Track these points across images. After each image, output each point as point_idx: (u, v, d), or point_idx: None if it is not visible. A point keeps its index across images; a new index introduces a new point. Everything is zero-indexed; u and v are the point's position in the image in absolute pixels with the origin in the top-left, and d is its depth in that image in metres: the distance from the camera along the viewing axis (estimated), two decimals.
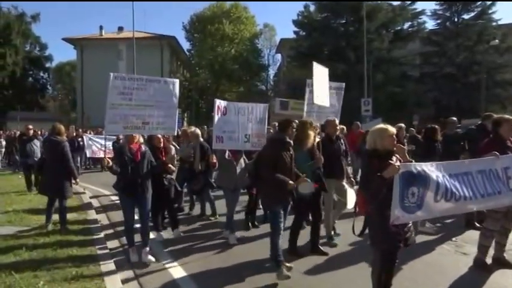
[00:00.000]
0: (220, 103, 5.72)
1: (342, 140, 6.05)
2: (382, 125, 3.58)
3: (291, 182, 4.46)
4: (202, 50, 40.77)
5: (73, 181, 6.81)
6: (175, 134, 5.85)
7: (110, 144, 10.69)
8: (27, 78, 40.94)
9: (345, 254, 5.38)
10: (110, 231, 6.57)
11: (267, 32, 46.59)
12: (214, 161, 6.00)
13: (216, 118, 5.63)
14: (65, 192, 6.61)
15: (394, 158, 3.42)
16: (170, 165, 5.76)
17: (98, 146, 11.83)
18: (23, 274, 4.36)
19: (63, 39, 37.22)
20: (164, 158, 5.83)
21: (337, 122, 5.98)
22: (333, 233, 5.83)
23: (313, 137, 5.13)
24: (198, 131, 7.38)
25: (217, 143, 5.66)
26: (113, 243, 5.83)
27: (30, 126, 10.74)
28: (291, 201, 4.76)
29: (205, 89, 42.55)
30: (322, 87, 6.01)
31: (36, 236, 5.98)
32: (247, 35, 42.87)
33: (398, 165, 3.25)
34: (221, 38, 40.60)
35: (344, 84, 7.09)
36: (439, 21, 31.60)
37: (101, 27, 38.82)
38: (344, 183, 5.86)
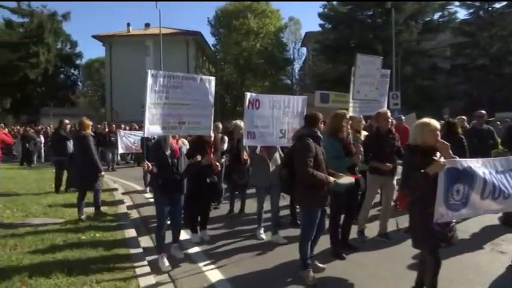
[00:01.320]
0: (251, 96, 5.40)
1: (394, 135, 5.60)
2: (425, 119, 3.41)
3: (331, 178, 4.19)
4: (228, 44, 40.91)
5: (99, 174, 7.07)
6: (211, 133, 5.57)
7: (138, 139, 10.79)
8: (59, 75, 42.05)
9: (374, 249, 5.31)
10: (142, 228, 6.53)
11: (292, 26, 46.31)
12: (246, 157, 5.73)
13: (247, 112, 5.35)
14: (93, 184, 6.98)
15: (438, 154, 3.28)
16: (217, 164, 5.50)
17: (131, 141, 11.96)
18: (57, 266, 4.50)
19: (93, 36, 38.11)
20: (212, 154, 5.58)
21: (389, 114, 5.60)
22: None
23: (347, 130, 4.88)
24: (243, 124, 7.25)
25: (249, 139, 5.38)
26: (145, 241, 5.76)
27: (67, 121, 10.05)
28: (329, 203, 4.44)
29: (231, 84, 42.69)
30: (367, 80, 5.73)
31: (69, 229, 6.15)
32: (272, 29, 42.68)
33: (443, 162, 3.12)
34: (246, 32, 40.58)
35: (389, 71, 6.85)
36: (471, 10, 30.45)
37: (128, 24, 39.47)
38: (394, 181, 5.59)
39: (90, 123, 7.44)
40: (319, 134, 4.34)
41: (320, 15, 33.23)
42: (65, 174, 9.52)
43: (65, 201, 8.33)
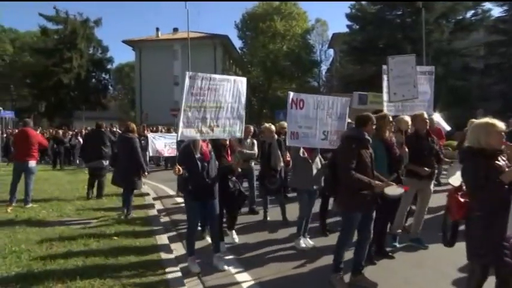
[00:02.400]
0: (294, 96, 5.28)
1: (433, 138, 5.42)
2: (488, 119, 3.14)
3: (377, 182, 4.01)
4: (254, 47, 41.10)
5: (142, 174, 7.54)
6: (241, 136, 5.47)
7: (173, 142, 10.85)
8: (91, 79, 43.28)
9: (405, 254, 5.21)
10: (173, 233, 6.49)
11: (319, 27, 46.12)
12: (288, 158, 5.55)
13: (291, 112, 5.23)
14: (135, 184, 7.35)
15: (499, 158, 3.03)
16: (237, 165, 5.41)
17: (162, 145, 12.07)
18: (89, 267, 4.61)
19: (123, 41, 39.13)
20: (229, 157, 5.53)
21: (426, 115, 5.41)
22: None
23: (390, 131, 4.71)
24: (273, 127, 6.95)
25: (292, 139, 5.24)
26: (177, 247, 5.68)
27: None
28: (375, 207, 4.21)
29: (257, 87, 42.81)
30: (403, 80, 5.54)
31: (102, 231, 6.28)
32: (299, 31, 42.58)
33: None
34: (273, 35, 40.67)
35: (434, 67, 6.67)
36: (506, 7, 29.27)
37: (157, 29, 40.39)
38: (431, 186, 5.44)
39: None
40: (366, 136, 4.15)
41: (347, 16, 32.83)
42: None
43: (97, 203, 8.59)
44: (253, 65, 42.55)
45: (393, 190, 4.18)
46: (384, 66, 5.84)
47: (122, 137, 7.84)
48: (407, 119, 5.55)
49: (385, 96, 5.96)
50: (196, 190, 4.63)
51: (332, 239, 5.81)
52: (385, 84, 5.85)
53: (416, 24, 25.95)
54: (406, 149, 4.97)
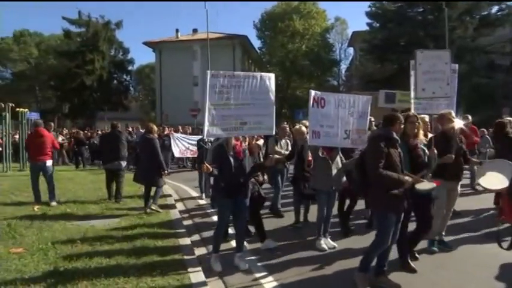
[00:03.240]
0: (316, 94, 5.21)
1: (460, 137, 5.30)
2: None
3: (406, 177, 3.92)
4: (273, 47, 41.06)
5: (162, 172, 7.90)
6: (274, 133, 5.40)
7: (194, 143, 10.87)
8: (113, 81, 43.95)
9: (428, 256, 5.12)
10: (195, 235, 6.42)
11: (339, 26, 45.70)
12: (310, 158, 5.53)
13: (312, 111, 5.17)
14: (156, 181, 7.69)
15: None
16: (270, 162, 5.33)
17: (185, 145, 12.03)
18: (112, 267, 4.68)
19: (144, 43, 39.68)
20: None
21: (453, 114, 5.26)
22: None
23: (413, 131, 4.58)
24: (304, 128, 6.65)
25: (314, 138, 5.16)
26: (199, 249, 5.62)
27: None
28: (405, 208, 4.12)
29: (276, 86, 42.68)
30: (433, 76, 5.30)
31: (125, 231, 6.35)
32: (318, 30, 42.30)
33: None
34: (292, 34, 40.55)
35: (457, 65, 6.50)
36: None
37: (177, 30, 40.80)
38: (458, 187, 5.31)
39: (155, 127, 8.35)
40: (394, 135, 4.08)
41: (368, 14, 32.39)
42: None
43: (120, 203, 8.69)
44: (272, 64, 42.50)
45: (424, 185, 4.12)
46: (412, 61, 5.61)
47: (143, 137, 8.16)
48: (427, 118, 5.43)
49: (412, 93, 5.73)
50: (229, 187, 4.67)
51: (354, 240, 5.84)
52: (412, 80, 5.60)
53: (439, 21, 25.36)
54: (435, 151, 4.80)
